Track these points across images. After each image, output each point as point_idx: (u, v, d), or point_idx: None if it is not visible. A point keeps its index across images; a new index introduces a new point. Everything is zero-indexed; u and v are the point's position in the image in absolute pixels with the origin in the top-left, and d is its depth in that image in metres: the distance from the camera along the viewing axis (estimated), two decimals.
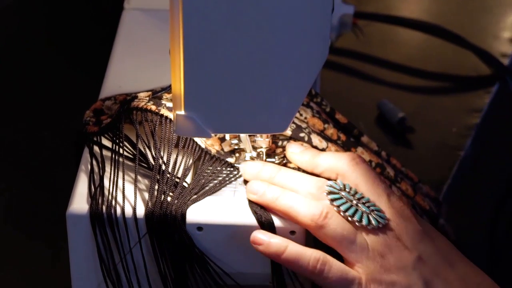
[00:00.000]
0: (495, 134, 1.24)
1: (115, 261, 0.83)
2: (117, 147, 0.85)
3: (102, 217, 0.81)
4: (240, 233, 0.81)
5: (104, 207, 0.81)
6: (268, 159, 0.87)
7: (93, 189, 0.83)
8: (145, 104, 0.86)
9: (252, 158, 0.86)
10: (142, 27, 1.07)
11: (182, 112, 0.73)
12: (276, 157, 0.87)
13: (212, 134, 0.75)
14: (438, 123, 1.23)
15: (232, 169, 0.86)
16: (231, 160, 0.87)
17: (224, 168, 0.86)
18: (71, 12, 1.40)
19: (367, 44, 1.33)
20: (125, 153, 0.86)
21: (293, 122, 0.88)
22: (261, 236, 0.79)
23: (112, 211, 0.81)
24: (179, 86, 0.72)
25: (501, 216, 1.21)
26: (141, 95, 0.88)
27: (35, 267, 1.00)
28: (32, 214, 1.05)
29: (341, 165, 0.84)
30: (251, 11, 0.69)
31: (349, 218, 0.80)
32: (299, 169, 0.86)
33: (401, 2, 1.49)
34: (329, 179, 0.85)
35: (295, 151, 0.86)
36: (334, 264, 0.78)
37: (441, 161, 1.16)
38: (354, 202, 0.81)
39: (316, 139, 0.88)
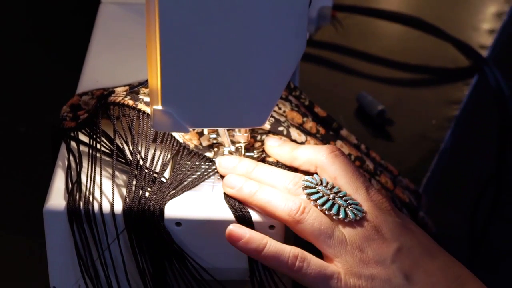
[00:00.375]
0: (474, 126, 1.24)
1: (93, 257, 0.82)
2: (94, 142, 0.85)
3: (80, 213, 0.80)
4: (218, 228, 0.81)
5: (81, 203, 0.81)
6: (247, 154, 0.86)
7: (70, 185, 0.83)
8: (122, 99, 0.85)
9: (230, 153, 0.86)
10: (119, 21, 1.07)
11: (159, 107, 0.73)
12: (254, 151, 0.87)
13: (190, 129, 0.74)
14: (417, 115, 1.23)
15: (210, 163, 0.86)
16: (209, 154, 0.86)
17: (202, 163, 0.86)
18: (48, 6, 1.39)
19: (346, 37, 1.33)
20: (103, 149, 0.85)
21: (272, 116, 0.88)
22: (238, 231, 0.78)
23: (90, 207, 0.81)
24: (156, 81, 0.71)
25: (481, 207, 1.22)
26: (118, 89, 0.87)
27: (14, 263, 0.99)
28: (11, 210, 1.04)
29: (319, 157, 0.83)
30: (228, 5, 0.69)
31: (326, 212, 0.80)
32: (278, 163, 0.86)
33: None
34: (308, 172, 0.84)
35: (273, 144, 0.86)
36: (313, 260, 0.78)
37: (421, 154, 1.17)
38: (331, 196, 0.81)
39: (295, 133, 0.88)
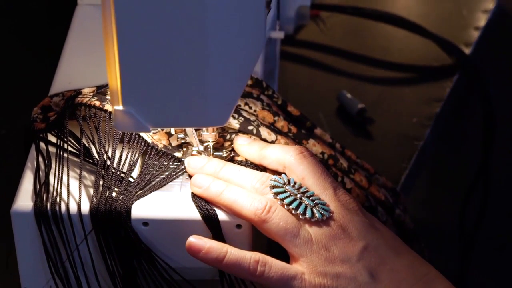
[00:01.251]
0: (455, 124, 1.24)
1: (62, 258, 0.82)
2: (62, 143, 0.85)
3: (47, 214, 0.81)
4: (186, 227, 0.81)
5: (48, 204, 0.81)
6: (215, 153, 0.86)
7: (38, 186, 0.83)
8: (89, 99, 0.85)
9: (199, 152, 0.86)
10: (95, 23, 1.06)
11: (120, 107, 0.73)
12: (224, 150, 0.87)
13: (151, 129, 0.74)
14: (398, 114, 1.23)
15: (179, 163, 0.86)
16: (178, 154, 0.86)
17: (171, 163, 0.86)
18: (25, 7, 1.39)
19: (329, 36, 1.33)
20: (70, 149, 0.85)
21: (241, 116, 0.88)
22: (198, 242, 0.78)
23: (57, 207, 0.81)
24: (115, 82, 0.71)
25: (466, 204, 1.21)
26: (85, 90, 0.87)
27: None
28: None
29: (288, 158, 0.83)
30: (185, 3, 0.69)
31: (293, 211, 0.80)
32: (246, 162, 0.86)
33: None
34: (276, 171, 0.84)
35: (242, 143, 0.86)
36: (274, 263, 0.78)
37: (400, 152, 1.17)
38: (299, 195, 0.81)
39: (265, 132, 0.88)
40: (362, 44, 1.35)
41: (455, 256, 0.84)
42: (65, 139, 0.85)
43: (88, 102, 0.85)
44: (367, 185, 0.95)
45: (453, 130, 1.23)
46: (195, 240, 0.79)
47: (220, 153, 0.86)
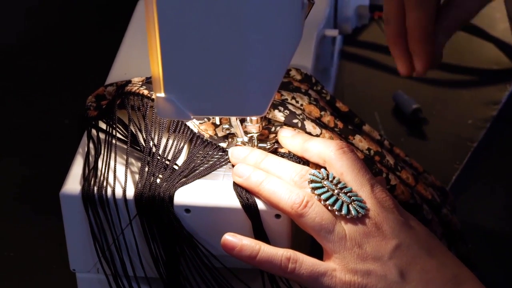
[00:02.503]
0: (510, 127, 1.23)
1: (108, 241, 0.85)
2: (111, 130, 0.88)
3: (94, 197, 0.83)
4: (226, 215, 0.83)
5: (95, 188, 0.84)
6: (260, 145, 0.88)
7: (87, 171, 0.86)
8: (137, 88, 0.88)
9: (243, 143, 0.88)
10: None
11: (162, 95, 0.75)
12: (268, 142, 0.88)
13: (192, 116, 0.76)
14: (453, 115, 1.23)
15: (223, 153, 0.88)
16: (223, 145, 0.88)
17: (215, 153, 0.88)
18: (87, 3, 1.43)
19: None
20: (119, 136, 0.88)
21: (287, 109, 0.89)
22: (232, 240, 0.80)
23: (103, 192, 0.83)
24: (157, 69, 0.74)
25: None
26: (135, 80, 0.90)
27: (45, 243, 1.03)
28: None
29: (328, 152, 0.84)
30: None
31: (329, 207, 0.80)
32: (289, 154, 0.87)
33: None
34: (318, 164, 0.86)
35: (286, 135, 0.87)
36: (305, 260, 0.79)
37: (453, 152, 1.16)
38: (336, 191, 0.81)
39: (310, 126, 0.89)
40: None
41: (504, 260, 0.84)
42: (114, 126, 0.87)
43: (137, 91, 0.87)
44: (414, 183, 0.95)
45: (509, 133, 1.22)
46: (229, 237, 0.81)
47: (264, 145, 0.88)
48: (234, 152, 0.86)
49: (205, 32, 0.72)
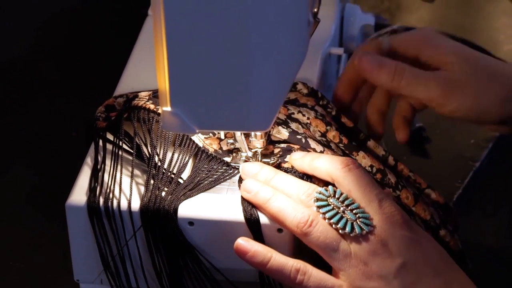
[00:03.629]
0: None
1: (112, 253, 0.86)
2: (118, 141, 0.89)
3: (99, 209, 0.84)
4: (228, 229, 0.84)
5: (101, 200, 0.85)
6: (263, 160, 0.89)
7: (93, 182, 0.87)
8: (144, 103, 0.89)
9: (247, 158, 0.89)
10: None
11: (168, 108, 0.76)
12: (271, 157, 0.89)
13: (197, 130, 0.78)
14: (456, 135, 1.24)
15: (227, 168, 0.89)
16: (227, 159, 0.90)
17: (219, 167, 0.89)
18: (98, 17, 1.45)
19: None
20: (125, 147, 0.89)
21: (289, 127, 0.90)
22: (245, 244, 0.81)
23: (109, 203, 0.84)
24: (164, 83, 0.75)
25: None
26: (142, 94, 0.91)
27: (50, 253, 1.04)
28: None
29: (334, 170, 0.85)
30: (233, 11, 0.71)
31: (334, 226, 0.81)
32: (292, 169, 0.88)
33: (425, 14, 1.50)
34: (327, 182, 0.87)
35: (296, 157, 0.88)
36: (314, 273, 0.80)
37: (455, 172, 1.17)
38: (341, 209, 0.82)
39: (313, 143, 0.90)
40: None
41: (505, 280, 0.85)
42: (120, 138, 0.89)
43: (143, 105, 0.89)
44: (413, 202, 0.95)
45: (510, 153, 1.23)
46: (243, 242, 0.82)
47: (268, 160, 0.89)
48: (245, 168, 0.87)
49: (211, 47, 0.73)
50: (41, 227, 1.09)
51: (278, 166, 0.89)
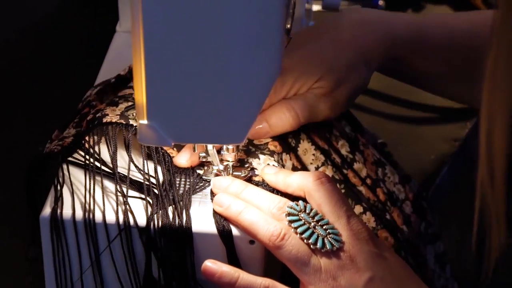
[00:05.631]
0: (472, 163, 1.27)
1: (82, 269, 0.87)
2: (89, 158, 0.90)
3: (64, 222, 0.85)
4: (201, 241, 0.85)
5: (75, 213, 0.86)
6: (234, 173, 0.91)
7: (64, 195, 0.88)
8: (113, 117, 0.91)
9: (219, 171, 0.91)
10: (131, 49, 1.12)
11: (145, 121, 0.78)
12: (242, 171, 0.91)
13: (172, 143, 0.79)
14: (416, 150, 1.27)
15: (199, 180, 0.91)
16: (199, 172, 0.91)
17: (192, 180, 0.90)
18: (65, 35, 1.46)
19: None
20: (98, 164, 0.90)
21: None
22: (212, 266, 0.83)
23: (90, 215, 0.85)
24: (141, 96, 0.76)
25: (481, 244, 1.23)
26: (109, 112, 0.93)
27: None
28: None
29: (306, 183, 0.87)
30: (208, 28, 0.73)
31: (305, 241, 0.83)
32: (263, 182, 0.90)
33: None
34: (300, 197, 0.88)
35: (269, 172, 0.90)
36: None
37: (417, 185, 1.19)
38: (312, 224, 0.84)
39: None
40: (387, 84, 1.39)
41: None
42: (92, 154, 0.90)
43: (117, 120, 0.90)
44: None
45: (470, 169, 1.26)
46: (210, 264, 0.83)
47: (239, 173, 0.91)
48: (216, 182, 0.89)
49: (188, 62, 0.75)
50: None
51: (249, 180, 0.90)
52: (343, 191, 0.96)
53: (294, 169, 0.94)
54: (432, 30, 1.01)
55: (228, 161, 0.90)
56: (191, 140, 0.83)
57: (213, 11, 0.73)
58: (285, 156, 0.94)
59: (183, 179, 0.90)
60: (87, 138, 0.91)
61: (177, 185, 0.89)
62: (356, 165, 0.99)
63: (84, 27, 1.45)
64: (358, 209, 0.96)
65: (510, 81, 0.70)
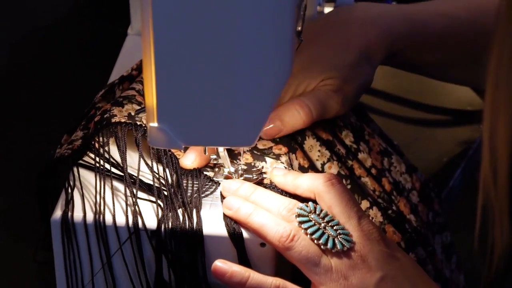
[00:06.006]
0: None
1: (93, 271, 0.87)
2: (99, 160, 0.90)
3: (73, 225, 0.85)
4: (212, 243, 0.85)
5: (86, 215, 0.86)
6: (245, 175, 0.91)
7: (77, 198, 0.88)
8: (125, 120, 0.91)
9: (230, 173, 0.90)
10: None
11: (155, 124, 0.78)
12: (253, 173, 0.91)
13: (183, 146, 0.79)
14: (429, 153, 1.26)
15: (210, 183, 0.91)
16: (210, 174, 0.91)
17: (202, 182, 0.90)
18: (78, 36, 1.46)
19: None
20: (109, 166, 0.90)
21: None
22: (222, 266, 0.83)
23: (100, 218, 0.85)
24: (151, 100, 0.76)
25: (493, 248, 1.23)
26: (117, 113, 0.93)
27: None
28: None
29: (316, 185, 0.87)
30: (218, 30, 0.73)
31: (315, 241, 0.83)
32: (271, 184, 0.90)
33: None
34: (309, 199, 0.88)
35: (278, 173, 0.90)
36: None
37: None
38: (322, 225, 0.84)
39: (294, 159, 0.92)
40: (399, 86, 1.39)
41: None
42: (101, 155, 0.90)
43: (126, 121, 0.90)
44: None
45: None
46: (220, 264, 0.83)
47: (250, 176, 0.91)
48: (225, 185, 0.89)
49: (198, 65, 0.75)
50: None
51: (260, 183, 0.90)
52: (348, 186, 0.95)
53: (301, 168, 0.94)
54: (431, 20, 1.02)
55: (240, 163, 0.90)
56: (202, 143, 0.83)
57: (223, 14, 0.73)
58: (291, 156, 0.94)
59: (190, 181, 0.90)
60: (96, 138, 0.91)
61: (185, 187, 0.89)
62: (360, 155, 0.99)
63: (96, 30, 1.46)
64: (364, 204, 0.96)
65: None
